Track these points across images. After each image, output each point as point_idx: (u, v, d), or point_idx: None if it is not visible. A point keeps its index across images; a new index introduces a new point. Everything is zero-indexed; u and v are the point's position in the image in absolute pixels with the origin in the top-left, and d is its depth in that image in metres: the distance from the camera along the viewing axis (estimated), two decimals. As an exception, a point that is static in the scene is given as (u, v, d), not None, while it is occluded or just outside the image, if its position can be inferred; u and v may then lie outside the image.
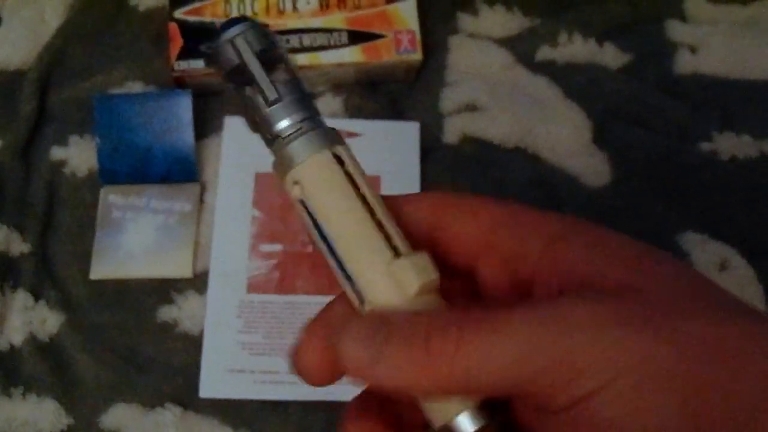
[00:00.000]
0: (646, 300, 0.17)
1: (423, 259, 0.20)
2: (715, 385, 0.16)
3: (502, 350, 0.17)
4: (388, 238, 0.20)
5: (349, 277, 0.20)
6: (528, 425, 0.19)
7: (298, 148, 0.21)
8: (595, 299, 0.17)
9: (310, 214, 0.21)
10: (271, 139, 0.22)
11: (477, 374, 0.17)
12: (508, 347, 0.17)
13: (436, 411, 0.19)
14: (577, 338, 0.16)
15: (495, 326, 0.17)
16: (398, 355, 0.17)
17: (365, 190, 0.21)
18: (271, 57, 0.21)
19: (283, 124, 0.21)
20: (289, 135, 0.21)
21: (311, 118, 0.21)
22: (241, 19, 0.21)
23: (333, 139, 0.21)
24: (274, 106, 0.21)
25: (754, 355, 0.16)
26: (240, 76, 0.21)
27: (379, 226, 0.20)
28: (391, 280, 0.19)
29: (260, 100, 0.21)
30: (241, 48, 0.21)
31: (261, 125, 0.22)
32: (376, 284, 0.20)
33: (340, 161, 0.21)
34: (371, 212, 0.20)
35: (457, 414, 0.19)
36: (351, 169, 0.21)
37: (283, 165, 0.21)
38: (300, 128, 0.21)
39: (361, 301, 0.20)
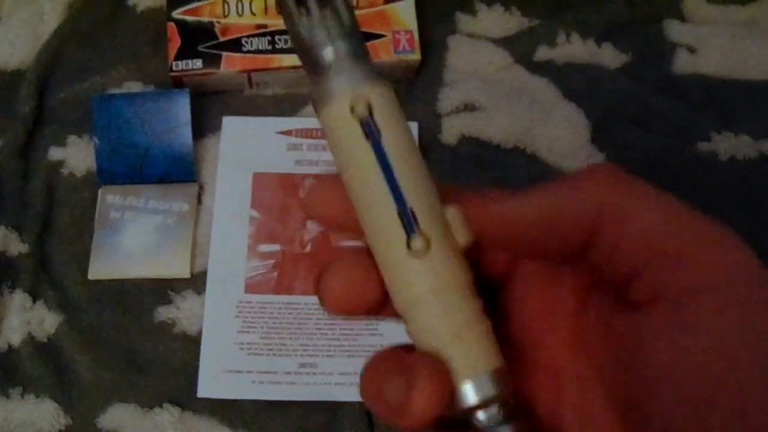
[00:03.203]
0: None
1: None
2: None
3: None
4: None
5: (404, 203, 0.20)
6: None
7: (370, 68, 0.20)
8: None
9: (371, 135, 0.20)
10: (323, 60, 0.20)
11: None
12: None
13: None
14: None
15: None
16: None
17: None
18: None
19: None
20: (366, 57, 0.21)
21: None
22: None
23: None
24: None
25: None
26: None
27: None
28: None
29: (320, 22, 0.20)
30: None
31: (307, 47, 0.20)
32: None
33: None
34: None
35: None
36: None
37: (344, 81, 0.20)
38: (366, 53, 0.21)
39: (411, 231, 0.20)
